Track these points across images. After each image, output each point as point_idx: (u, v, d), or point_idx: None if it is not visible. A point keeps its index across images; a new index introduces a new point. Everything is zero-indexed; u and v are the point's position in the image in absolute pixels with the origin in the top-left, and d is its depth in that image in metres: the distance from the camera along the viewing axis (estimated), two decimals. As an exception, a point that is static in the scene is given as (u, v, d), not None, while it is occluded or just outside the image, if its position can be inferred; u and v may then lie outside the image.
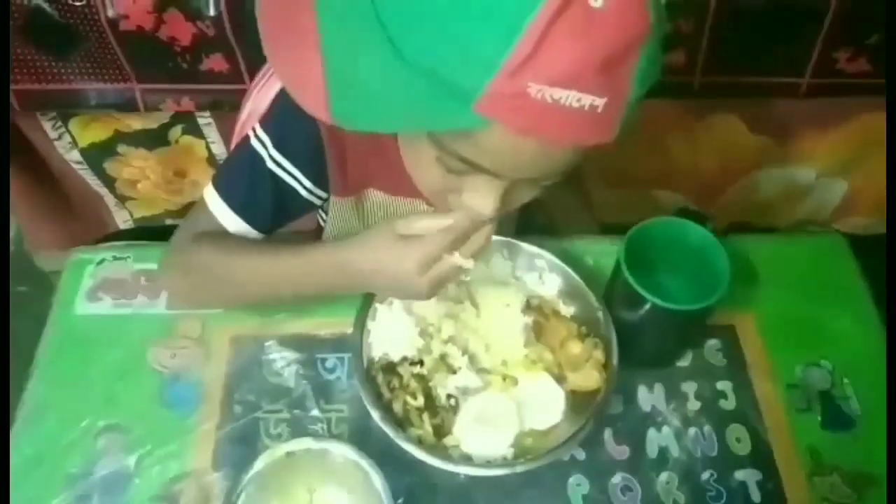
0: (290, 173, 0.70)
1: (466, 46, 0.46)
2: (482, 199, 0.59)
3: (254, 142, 0.70)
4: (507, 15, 0.45)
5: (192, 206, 0.75)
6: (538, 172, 0.56)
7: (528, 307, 0.73)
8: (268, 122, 0.70)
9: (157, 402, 0.73)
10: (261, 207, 0.71)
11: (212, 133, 1.16)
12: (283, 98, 0.69)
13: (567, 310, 0.74)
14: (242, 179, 0.70)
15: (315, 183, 0.72)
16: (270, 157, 0.69)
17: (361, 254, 0.63)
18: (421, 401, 0.68)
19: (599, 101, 0.47)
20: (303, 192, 0.72)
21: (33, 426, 0.71)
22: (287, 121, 0.68)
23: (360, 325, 0.71)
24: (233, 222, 0.71)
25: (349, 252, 0.64)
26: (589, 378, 0.69)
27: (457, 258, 0.61)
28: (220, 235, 0.71)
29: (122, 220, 1.35)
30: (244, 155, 0.70)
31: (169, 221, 1.35)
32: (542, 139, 0.50)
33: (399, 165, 0.72)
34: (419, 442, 0.65)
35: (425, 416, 0.67)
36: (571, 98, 0.46)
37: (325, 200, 0.76)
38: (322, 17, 0.52)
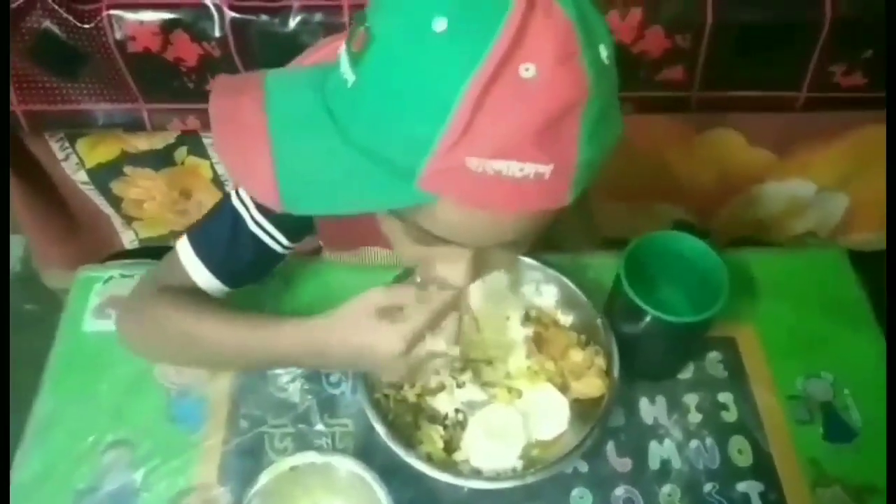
0: (270, 235, 0.71)
1: (401, 127, 0.47)
2: (452, 268, 0.59)
3: (235, 203, 0.70)
4: (436, 93, 0.45)
5: (163, 258, 0.74)
6: (498, 240, 0.55)
7: (527, 319, 0.74)
8: None
9: (163, 417, 0.74)
10: (238, 267, 0.72)
11: (216, 153, 1.17)
12: None
13: (566, 319, 0.75)
14: (222, 239, 0.70)
15: (293, 241, 0.73)
16: (252, 218, 0.69)
17: (342, 336, 0.62)
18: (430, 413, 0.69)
19: (545, 169, 0.47)
20: (279, 250, 0.73)
21: (42, 441, 0.72)
22: None
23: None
24: (204, 278, 0.71)
25: (327, 333, 0.62)
26: (592, 385, 0.69)
27: (439, 343, 0.61)
28: (185, 294, 0.70)
29: (129, 240, 1.36)
30: (225, 215, 0.70)
31: (174, 242, 1.37)
32: (490, 210, 0.50)
33: None
34: (429, 458, 0.66)
35: (437, 431, 0.68)
36: (513, 168, 0.46)
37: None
38: (271, 104, 0.53)
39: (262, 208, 0.69)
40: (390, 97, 0.47)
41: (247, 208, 0.69)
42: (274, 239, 0.71)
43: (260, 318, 0.67)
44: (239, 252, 0.71)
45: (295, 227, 0.72)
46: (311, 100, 0.52)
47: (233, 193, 0.70)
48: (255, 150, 0.52)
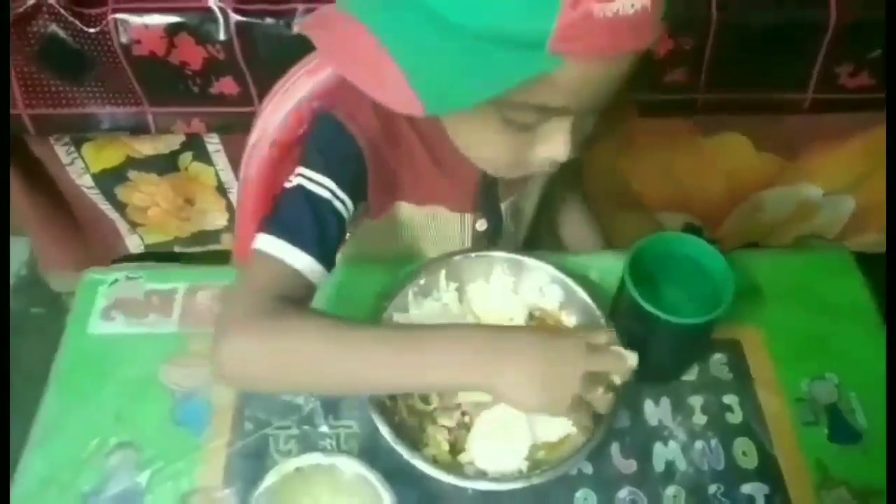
0: (341, 200, 0.69)
1: None
2: (557, 144, 0.62)
3: (303, 181, 0.68)
4: None
5: (245, 270, 0.68)
6: (606, 94, 0.59)
7: (530, 320, 0.74)
8: (312, 159, 0.69)
9: (168, 419, 0.73)
10: (330, 239, 0.68)
11: (220, 160, 1.18)
12: (319, 132, 0.71)
13: (569, 321, 0.75)
14: (305, 217, 0.67)
15: (354, 205, 0.72)
16: (324, 187, 0.68)
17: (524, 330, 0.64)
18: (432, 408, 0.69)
19: (647, 1, 0.52)
20: (346, 216, 0.70)
21: (46, 444, 0.72)
22: (332, 152, 0.70)
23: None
24: (305, 263, 0.65)
25: (508, 330, 0.64)
26: None
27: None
28: (318, 314, 0.66)
29: (134, 245, 1.36)
30: (296, 197, 0.68)
31: (178, 249, 1.37)
32: (613, 56, 0.54)
33: (425, 173, 0.74)
34: (434, 460, 0.66)
35: (442, 433, 0.68)
36: (626, 5, 0.51)
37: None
38: (377, 30, 0.55)
39: (332, 175, 0.68)
40: None
41: (313, 182, 0.68)
42: (343, 204, 0.69)
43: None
44: (326, 223, 0.68)
45: (356, 186, 0.71)
46: (407, 7, 0.55)
47: (295, 178, 0.68)
48: (382, 67, 0.54)
